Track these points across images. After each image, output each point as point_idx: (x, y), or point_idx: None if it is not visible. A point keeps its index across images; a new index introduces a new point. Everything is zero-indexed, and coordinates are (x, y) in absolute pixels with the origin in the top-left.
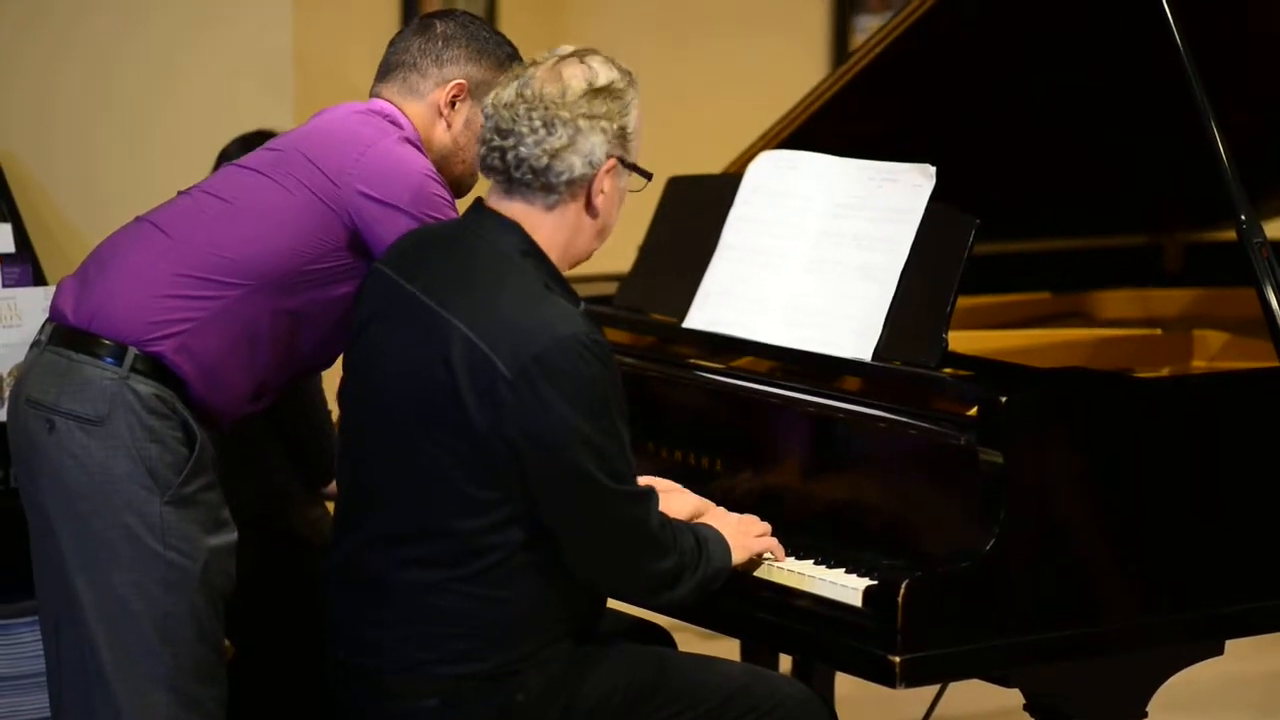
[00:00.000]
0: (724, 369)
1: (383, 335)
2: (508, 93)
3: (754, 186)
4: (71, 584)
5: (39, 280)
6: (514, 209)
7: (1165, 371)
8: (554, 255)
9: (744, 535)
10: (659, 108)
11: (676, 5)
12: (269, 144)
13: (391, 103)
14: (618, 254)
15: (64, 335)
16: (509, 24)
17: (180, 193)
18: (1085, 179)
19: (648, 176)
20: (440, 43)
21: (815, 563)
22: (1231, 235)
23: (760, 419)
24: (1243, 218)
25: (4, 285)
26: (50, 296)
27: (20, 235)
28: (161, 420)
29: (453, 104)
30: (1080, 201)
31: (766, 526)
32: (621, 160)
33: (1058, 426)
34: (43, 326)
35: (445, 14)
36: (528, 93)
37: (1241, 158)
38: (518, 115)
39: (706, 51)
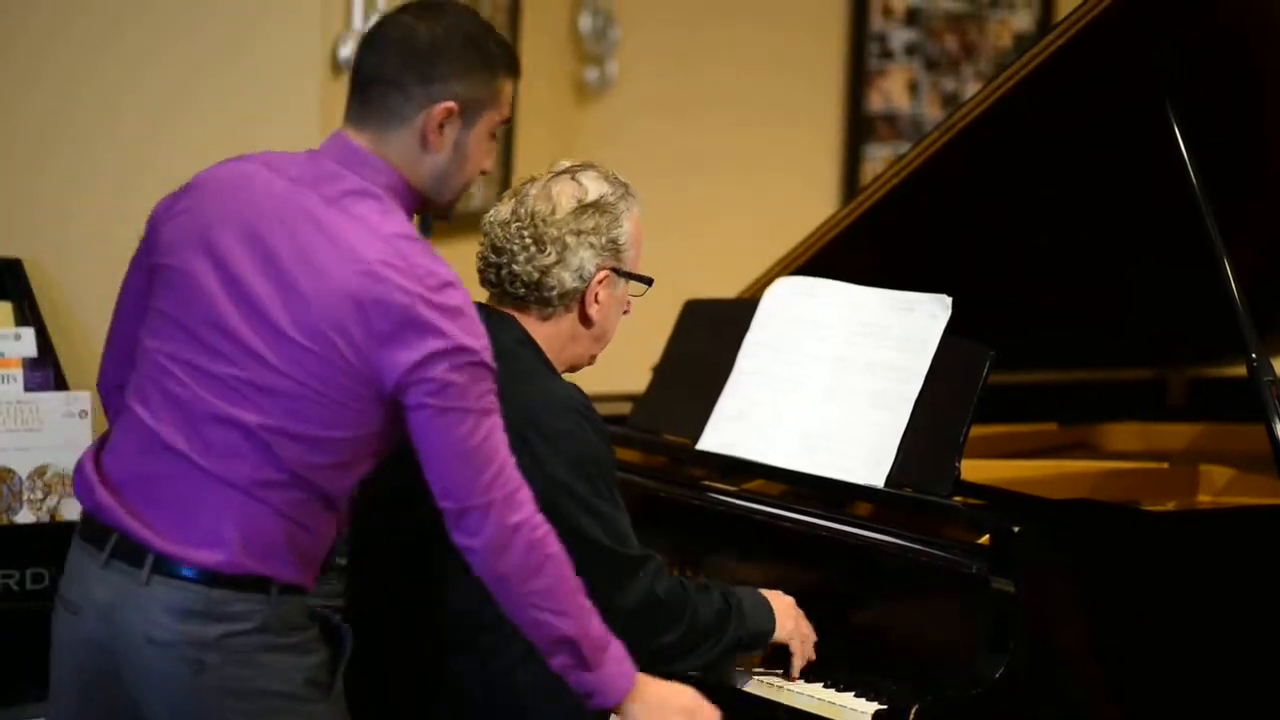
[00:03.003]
0: (736, 491)
1: None
2: (504, 211)
3: (771, 312)
4: None
5: (60, 385)
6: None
7: (1171, 505)
8: (550, 357)
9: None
10: (669, 232)
11: (690, 124)
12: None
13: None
14: (633, 375)
15: (189, 572)
16: (525, 150)
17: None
18: (1093, 313)
19: (648, 282)
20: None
21: (825, 685)
22: (1233, 371)
23: (772, 542)
24: (1254, 356)
25: (25, 389)
26: (71, 403)
27: (43, 340)
28: (304, 632)
29: (440, 128)
30: (1087, 335)
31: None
32: (616, 270)
33: (1070, 557)
34: (110, 543)
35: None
36: (521, 211)
37: (1251, 295)
38: (510, 234)
39: (718, 174)
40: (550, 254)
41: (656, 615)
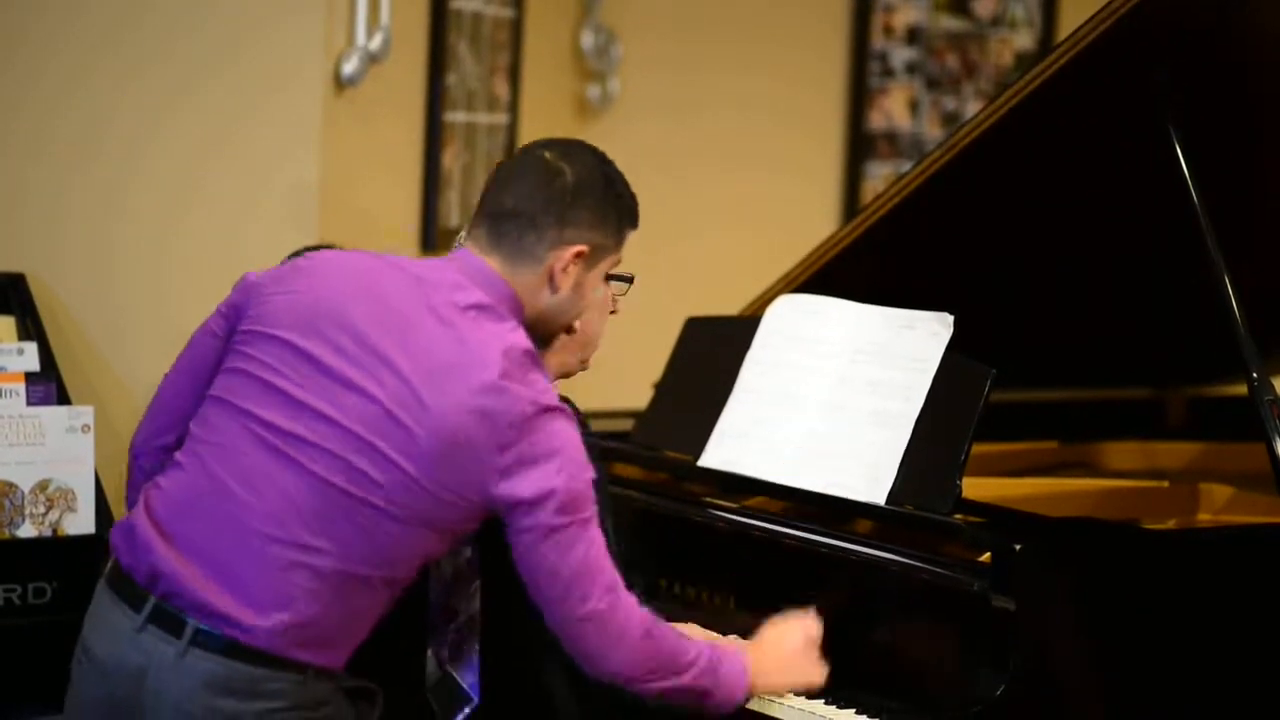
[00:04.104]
0: (737, 508)
1: None
2: None
3: (773, 329)
4: None
5: (63, 399)
6: None
7: (1171, 524)
8: None
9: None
10: (670, 248)
11: (691, 141)
12: None
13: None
14: (634, 391)
15: (231, 648)
16: None
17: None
18: (1094, 332)
19: (629, 280)
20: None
21: (825, 703)
22: (1232, 390)
23: (773, 559)
24: (1254, 375)
25: (28, 403)
26: (74, 417)
27: (45, 355)
28: (331, 706)
29: (565, 269)
30: (1089, 353)
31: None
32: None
33: (1070, 576)
34: (148, 608)
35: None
36: None
37: (1252, 314)
38: None
39: (719, 190)
40: None
41: None
